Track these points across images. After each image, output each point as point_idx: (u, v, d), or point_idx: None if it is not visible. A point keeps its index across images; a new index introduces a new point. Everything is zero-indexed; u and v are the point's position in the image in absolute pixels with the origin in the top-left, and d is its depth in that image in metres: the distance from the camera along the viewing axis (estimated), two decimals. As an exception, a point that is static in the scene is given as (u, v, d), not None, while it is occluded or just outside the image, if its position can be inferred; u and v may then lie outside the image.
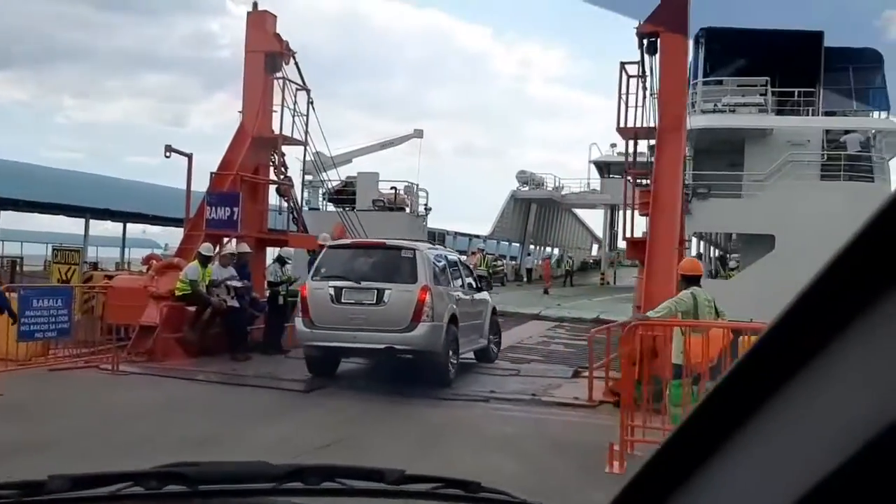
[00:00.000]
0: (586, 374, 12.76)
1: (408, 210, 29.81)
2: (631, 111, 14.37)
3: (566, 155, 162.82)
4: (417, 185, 30.02)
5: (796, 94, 24.73)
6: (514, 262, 47.82)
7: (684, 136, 13.29)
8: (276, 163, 16.49)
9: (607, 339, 12.97)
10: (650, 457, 0.79)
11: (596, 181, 52.51)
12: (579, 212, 58.94)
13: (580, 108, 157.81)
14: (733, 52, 23.90)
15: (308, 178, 32.16)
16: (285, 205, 17.07)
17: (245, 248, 14.67)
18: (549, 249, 54.06)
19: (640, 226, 14.52)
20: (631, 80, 14.33)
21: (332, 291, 10.61)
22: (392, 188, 29.36)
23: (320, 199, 30.68)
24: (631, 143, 14.68)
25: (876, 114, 25.47)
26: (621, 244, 23.79)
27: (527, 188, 49.21)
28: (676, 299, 8.55)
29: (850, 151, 23.03)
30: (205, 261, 13.48)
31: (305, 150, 16.95)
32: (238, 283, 13.82)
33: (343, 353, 11.10)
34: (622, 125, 14.51)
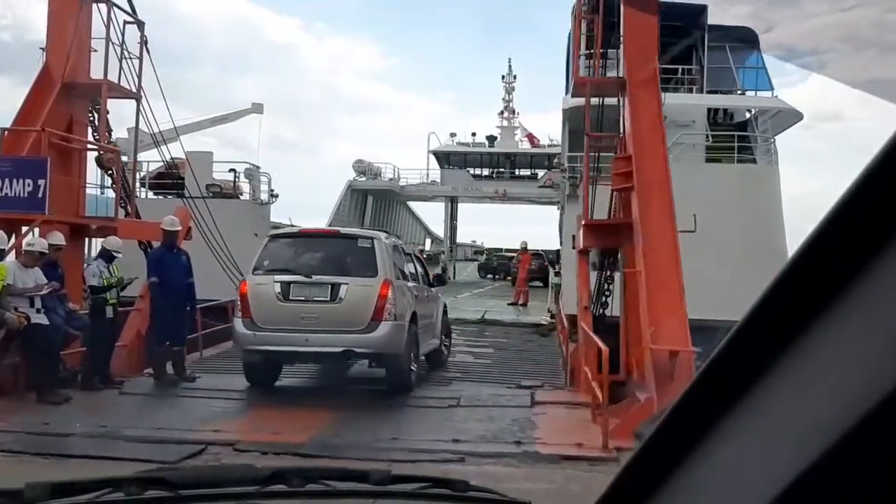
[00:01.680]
0: (540, 397, 9.84)
1: (246, 197, 25.32)
2: (584, 63, 11.31)
3: (381, 150, 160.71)
4: (259, 168, 25.57)
5: (679, 71, 23.10)
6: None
7: (659, 92, 10.43)
8: (97, 122, 11.94)
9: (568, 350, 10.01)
10: (630, 458, 0.77)
11: (435, 172, 50.66)
12: (414, 205, 56.57)
13: (392, 104, 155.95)
14: (612, 23, 21.87)
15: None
16: (109, 181, 12.47)
17: (57, 238, 10.15)
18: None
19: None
20: (583, 26, 11.32)
21: (278, 288, 9.34)
22: (230, 170, 24.73)
23: (137, 184, 25.43)
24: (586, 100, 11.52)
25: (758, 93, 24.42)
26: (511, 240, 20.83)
27: (364, 178, 45.99)
28: None
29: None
30: (-7, 257, 8.91)
31: (139, 106, 12.48)
32: (46, 290, 9.35)
33: (291, 357, 9.91)
34: (575, 78, 11.42)
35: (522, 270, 24.78)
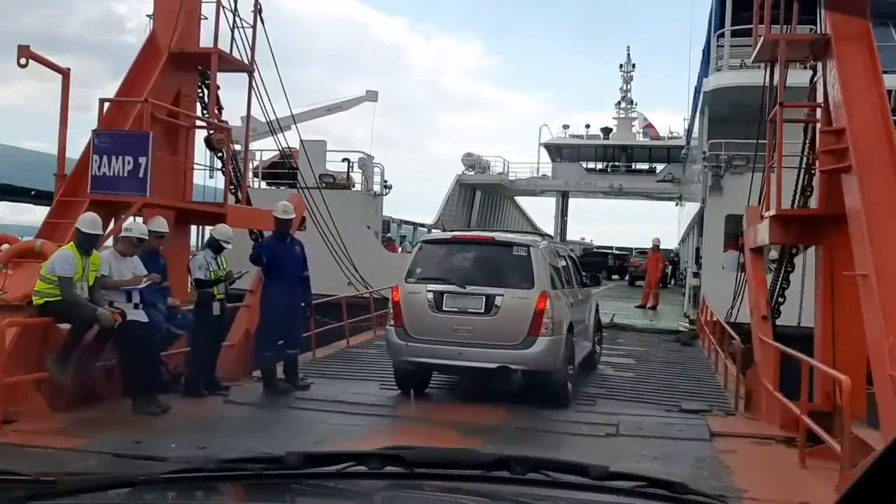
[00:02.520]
0: (717, 426, 8.11)
1: (359, 188, 24.21)
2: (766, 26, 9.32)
3: (483, 146, 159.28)
4: (373, 158, 24.38)
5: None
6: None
7: (875, 51, 8.33)
8: (207, 97, 10.79)
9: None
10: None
11: (546, 166, 48.66)
12: (522, 201, 54.75)
13: (494, 102, 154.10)
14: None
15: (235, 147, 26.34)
16: (218, 164, 11.32)
17: (160, 224, 9.01)
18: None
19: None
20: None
21: (430, 297, 9.00)
22: (344, 160, 23.65)
23: (250, 175, 24.77)
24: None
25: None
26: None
27: (473, 172, 44.58)
28: None
29: None
30: (87, 244, 7.76)
31: (251, 81, 11.28)
32: (145, 283, 8.19)
33: (444, 370, 9.70)
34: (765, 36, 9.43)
35: (655, 270, 22.59)
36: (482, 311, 8.81)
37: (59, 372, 7.42)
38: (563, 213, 48.87)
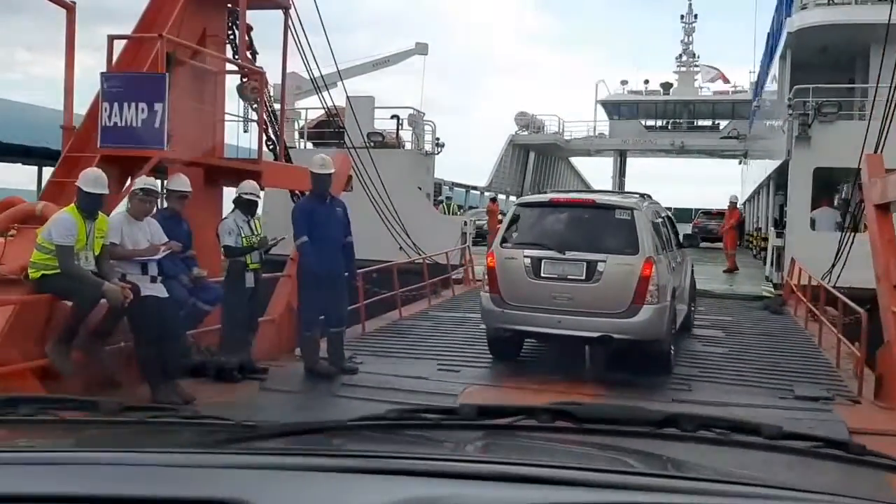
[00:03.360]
0: (852, 420, 6.76)
1: (409, 146, 22.76)
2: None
3: (533, 109, 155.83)
4: (423, 115, 22.83)
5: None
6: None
7: None
8: (237, 38, 9.44)
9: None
10: None
11: (603, 124, 46.52)
12: (576, 162, 52.73)
13: (545, 63, 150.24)
14: None
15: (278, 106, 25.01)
16: (253, 116, 9.99)
17: (180, 183, 7.76)
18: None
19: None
20: None
21: (528, 262, 8.65)
22: (393, 116, 22.16)
23: (295, 136, 23.60)
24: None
25: None
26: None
27: (526, 132, 42.84)
28: None
29: None
30: (91, 206, 6.50)
31: (287, 19, 9.89)
32: (163, 252, 6.94)
33: (541, 338, 9.43)
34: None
35: (733, 230, 20.66)
36: (583, 277, 8.43)
37: (61, 359, 6.24)
38: (620, 173, 46.73)
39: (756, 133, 33.54)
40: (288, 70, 10.71)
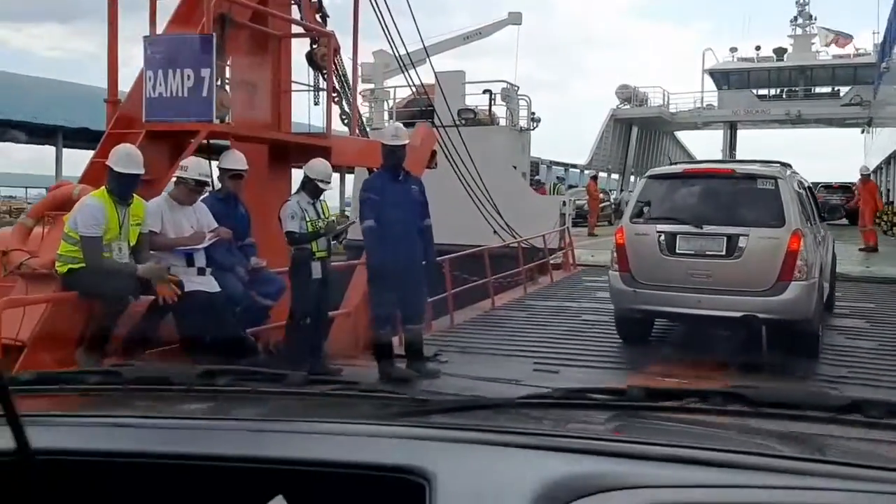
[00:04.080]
0: None
1: (503, 123, 21.47)
2: None
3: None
4: (517, 89, 21.48)
5: None
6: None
7: None
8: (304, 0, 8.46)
9: None
10: None
11: (711, 95, 43.81)
12: (682, 136, 50.12)
13: (643, 38, 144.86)
14: None
15: (367, 87, 24.20)
16: (322, 85, 8.98)
17: (235, 161, 6.82)
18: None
19: None
20: None
21: (661, 238, 8.12)
22: (485, 91, 20.89)
23: (385, 116, 22.73)
24: None
25: None
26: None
27: (628, 106, 40.92)
28: None
29: None
30: (123, 189, 5.60)
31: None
32: (209, 240, 6.02)
33: (678, 319, 8.87)
34: None
35: (871, 203, 18.37)
36: (723, 253, 7.94)
37: (92, 367, 5.41)
38: (731, 146, 43.91)
39: (884, 98, 30.64)
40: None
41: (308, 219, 7.09)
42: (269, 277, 6.86)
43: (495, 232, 16.18)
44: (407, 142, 6.89)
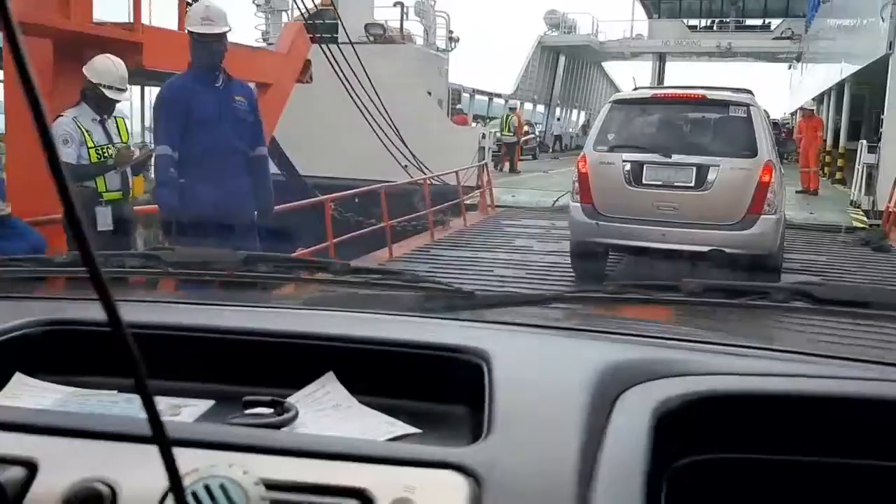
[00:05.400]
0: None
1: (420, 42, 19.10)
2: None
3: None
4: (434, 4, 19.06)
5: None
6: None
7: None
8: None
9: None
10: None
11: (641, 24, 42.14)
12: (609, 67, 48.56)
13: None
14: None
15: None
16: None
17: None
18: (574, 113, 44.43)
19: None
20: None
21: (627, 168, 7.91)
22: (396, 4, 18.37)
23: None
24: None
25: None
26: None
27: (556, 33, 38.99)
28: None
29: None
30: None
31: None
32: None
33: (641, 253, 8.46)
34: None
35: (814, 142, 16.84)
36: (692, 184, 7.83)
37: None
38: (659, 79, 42.49)
39: (816, 32, 29.42)
40: None
41: (92, 145, 4.87)
42: (20, 230, 4.61)
43: (405, 167, 14.11)
44: (226, 29, 4.59)
